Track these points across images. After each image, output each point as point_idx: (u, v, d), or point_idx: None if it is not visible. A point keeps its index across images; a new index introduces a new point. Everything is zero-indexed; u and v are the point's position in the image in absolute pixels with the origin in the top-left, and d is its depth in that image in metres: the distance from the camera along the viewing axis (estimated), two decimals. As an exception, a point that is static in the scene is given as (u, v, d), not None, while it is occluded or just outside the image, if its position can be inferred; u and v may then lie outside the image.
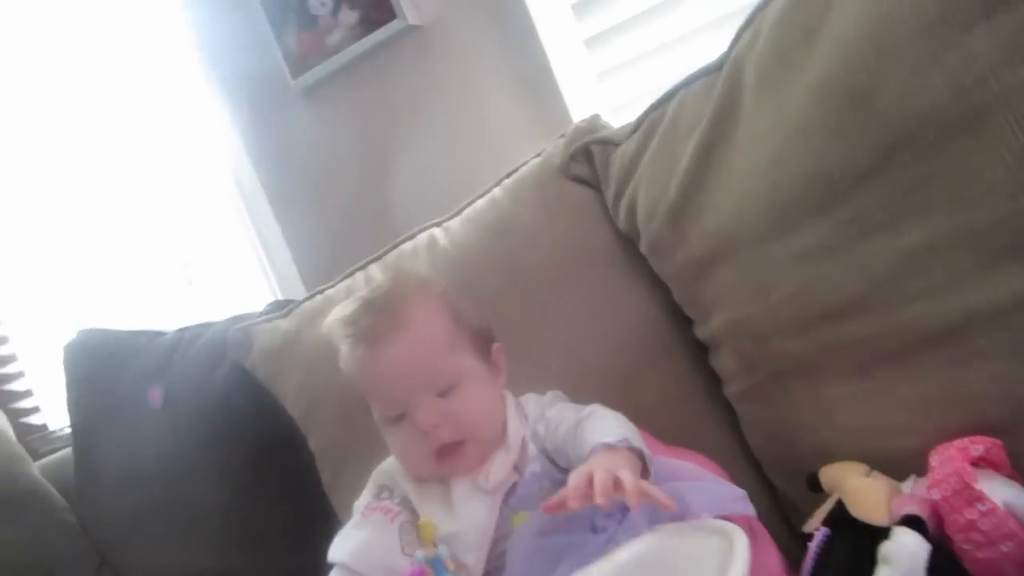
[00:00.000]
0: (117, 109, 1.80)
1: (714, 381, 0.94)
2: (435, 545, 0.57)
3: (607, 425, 0.67)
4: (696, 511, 0.61)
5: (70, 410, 1.55)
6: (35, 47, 1.85)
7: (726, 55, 0.83)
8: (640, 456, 0.64)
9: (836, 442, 0.78)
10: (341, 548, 0.72)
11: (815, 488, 0.75)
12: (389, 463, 0.78)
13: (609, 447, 0.63)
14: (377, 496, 0.77)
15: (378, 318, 0.73)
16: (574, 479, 0.58)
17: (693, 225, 0.83)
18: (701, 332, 0.92)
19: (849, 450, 0.76)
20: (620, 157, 0.94)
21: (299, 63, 1.53)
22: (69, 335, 1.55)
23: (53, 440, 1.95)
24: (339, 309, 0.77)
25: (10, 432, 1.61)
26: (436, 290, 0.78)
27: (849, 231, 0.70)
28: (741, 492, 0.65)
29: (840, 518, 0.67)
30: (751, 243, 0.78)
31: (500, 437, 0.75)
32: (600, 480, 0.56)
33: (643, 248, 0.93)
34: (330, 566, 0.72)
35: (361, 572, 0.67)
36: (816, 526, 0.68)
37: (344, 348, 0.76)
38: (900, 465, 0.70)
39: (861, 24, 0.66)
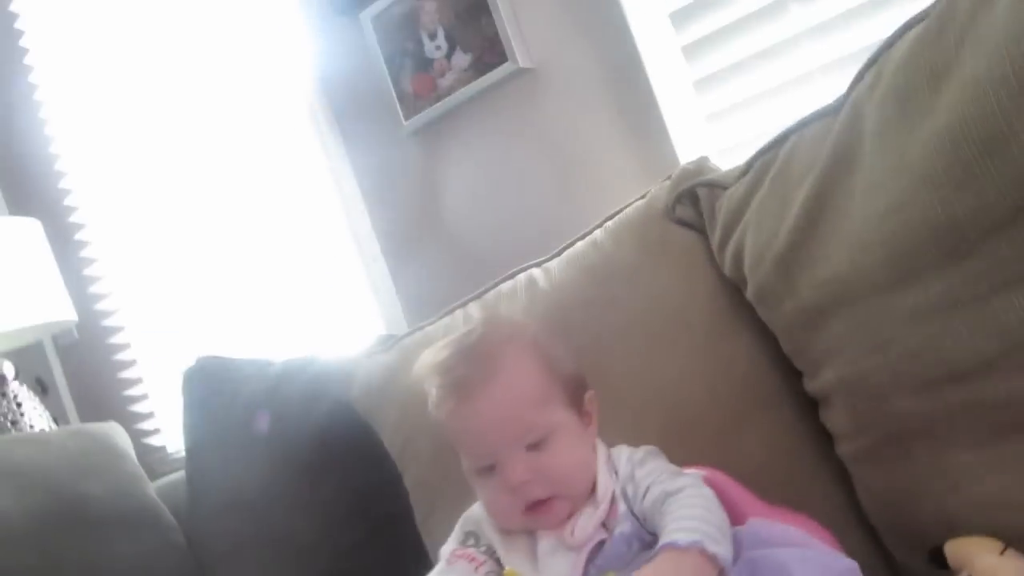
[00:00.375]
0: (238, 145, 1.91)
1: (825, 438, 0.88)
2: None
3: (688, 516, 0.64)
4: (801, 584, 0.57)
5: (185, 433, 1.63)
6: (161, 81, 1.99)
7: (844, 97, 0.79)
8: (714, 559, 0.60)
9: (963, 514, 0.72)
10: None
11: (940, 563, 0.69)
12: (476, 509, 0.77)
13: (679, 550, 0.60)
14: (463, 543, 0.76)
15: (469, 369, 0.72)
16: None
17: (803, 274, 0.79)
18: (811, 386, 0.86)
19: (978, 524, 0.69)
20: (728, 201, 0.91)
21: (412, 105, 1.58)
22: (189, 362, 1.64)
23: (170, 462, 2.06)
24: (430, 354, 0.77)
25: (131, 451, 1.70)
26: (529, 337, 0.77)
27: (979, 285, 0.65)
28: (852, 564, 0.60)
29: (968, 599, 0.62)
30: (867, 295, 0.73)
31: (589, 492, 0.72)
32: None
33: (749, 295, 0.89)
34: None
35: None
36: (940, 605, 0.63)
37: (434, 395, 0.75)
38: (1038, 545, 0.64)
39: (995, 67, 0.62)
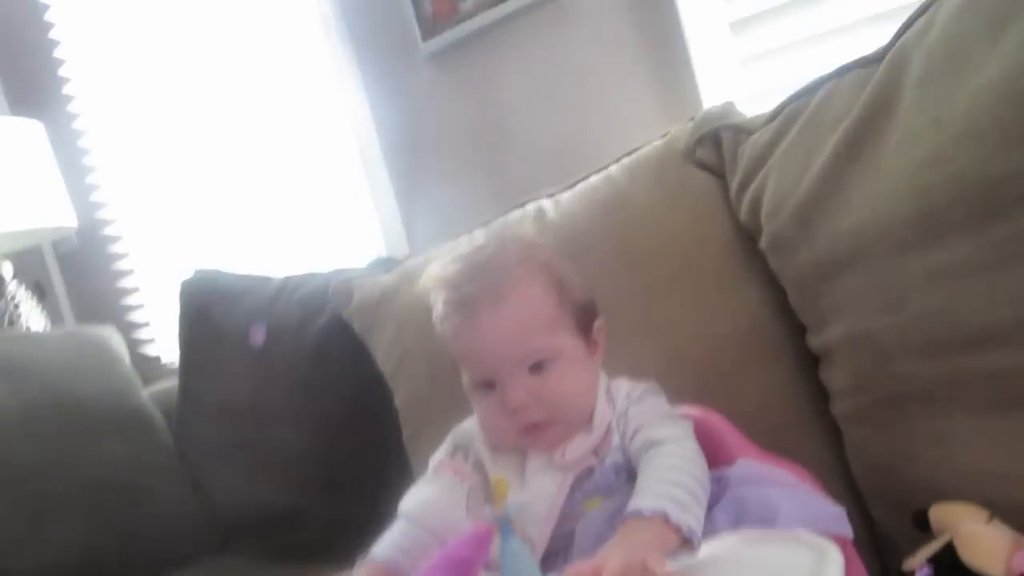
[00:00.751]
0: (248, 57, 1.86)
1: (820, 396, 0.88)
2: (506, 505, 0.55)
3: (660, 479, 0.62)
4: (787, 522, 0.56)
5: (180, 343, 1.64)
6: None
7: (889, 45, 0.76)
8: (677, 530, 0.58)
9: (953, 482, 0.71)
10: (408, 500, 0.71)
11: (922, 527, 0.69)
12: (469, 424, 0.76)
13: (643, 520, 0.58)
14: (451, 455, 0.75)
15: (478, 286, 0.71)
16: (578, 568, 0.53)
17: (823, 224, 0.77)
18: (814, 341, 0.85)
19: (966, 492, 0.68)
20: (751, 146, 0.88)
21: (431, 26, 1.53)
22: (188, 274, 1.63)
23: (164, 370, 2.07)
24: (438, 266, 0.75)
25: (126, 356, 1.71)
26: (542, 259, 0.75)
27: (1006, 250, 0.63)
28: (839, 510, 0.60)
29: (948, 562, 0.61)
30: (887, 251, 0.71)
31: (587, 419, 0.71)
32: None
33: (763, 244, 0.87)
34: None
35: (424, 525, 0.66)
36: (918, 565, 0.62)
37: (439, 310, 0.74)
38: (1028, 518, 0.63)
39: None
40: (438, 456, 0.76)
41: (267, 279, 1.48)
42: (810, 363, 0.88)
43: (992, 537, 0.61)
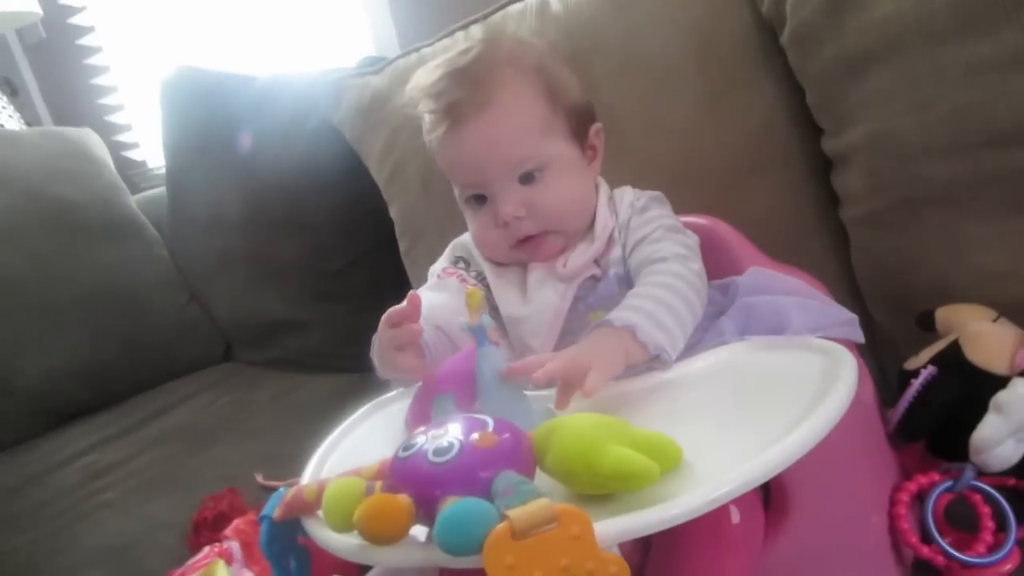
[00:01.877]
0: None
1: (828, 202, 0.85)
2: (481, 315, 0.54)
3: (645, 295, 0.59)
4: (798, 329, 0.56)
5: (165, 147, 1.58)
6: None
7: None
8: (644, 347, 0.56)
9: (962, 284, 0.70)
10: None
11: (927, 327, 0.69)
12: (468, 237, 0.74)
13: (613, 328, 0.56)
14: (454, 264, 0.74)
15: (462, 92, 0.66)
16: (525, 361, 0.53)
17: (856, 13, 0.71)
18: (831, 144, 0.81)
19: (975, 295, 0.68)
20: (780, -77, 0.79)
21: None
22: (167, 71, 1.54)
23: (151, 178, 2.02)
24: (422, 74, 0.70)
25: (109, 160, 1.65)
26: (531, 59, 0.69)
27: (1055, 38, 0.58)
28: (852, 316, 0.59)
29: (953, 360, 0.62)
30: (924, 43, 0.66)
31: (586, 228, 0.69)
32: (551, 371, 0.51)
33: (785, 38, 0.81)
34: None
35: (437, 326, 0.65)
36: (922, 364, 0.63)
37: (426, 120, 0.70)
38: (1034, 318, 0.63)
39: None
40: (440, 265, 0.74)
41: (252, 78, 1.40)
42: (821, 168, 0.86)
43: (998, 335, 0.62)
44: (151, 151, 2.05)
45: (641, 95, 0.88)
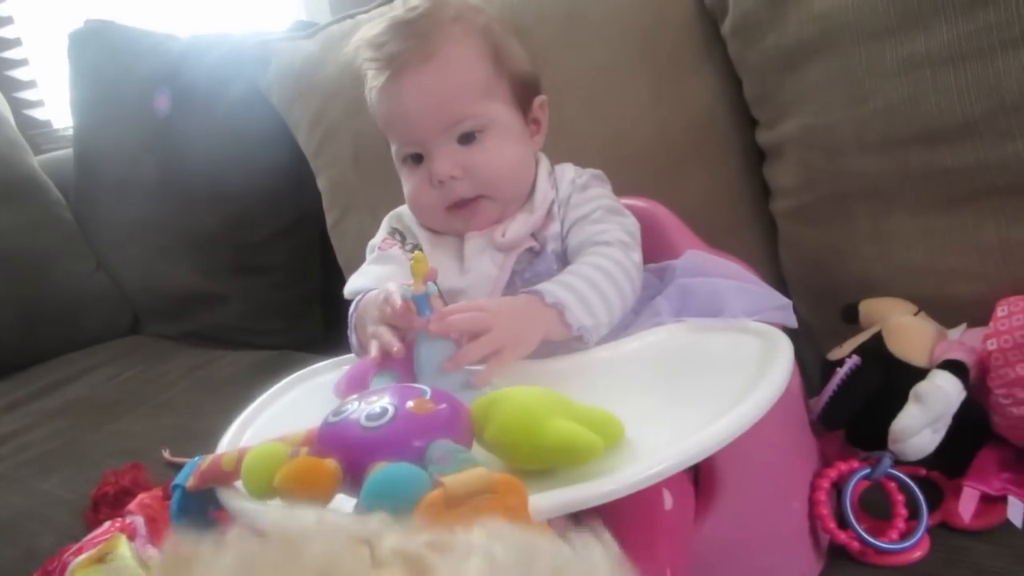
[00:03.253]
0: None
1: (759, 194, 0.87)
2: (425, 282, 0.53)
3: (582, 275, 0.60)
4: (734, 312, 0.56)
5: (73, 107, 1.48)
6: None
7: None
8: (568, 327, 0.57)
9: (886, 278, 0.73)
10: (360, 280, 0.67)
11: (851, 319, 0.71)
12: (405, 209, 0.72)
13: (540, 300, 0.57)
14: (391, 236, 0.71)
15: (405, 43, 0.64)
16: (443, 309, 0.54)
17: (797, 5, 0.72)
18: (765, 136, 0.83)
19: (898, 289, 0.70)
20: (729, -88, 0.79)
21: None
22: (76, 24, 1.44)
23: (56, 139, 1.89)
24: (366, 29, 0.67)
25: (10, 118, 1.54)
26: (479, 21, 0.67)
27: (988, 39, 0.60)
28: (786, 301, 0.60)
29: (876, 352, 0.63)
30: (861, 37, 0.67)
31: (524, 198, 0.68)
32: (452, 323, 0.52)
33: (726, 28, 0.81)
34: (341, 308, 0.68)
35: None
36: (846, 355, 0.64)
37: (367, 75, 0.67)
38: (952, 312, 0.65)
39: None
40: (379, 238, 0.71)
41: (171, 37, 1.33)
42: (754, 160, 0.87)
43: (919, 328, 0.64)
44: (57, 111, 1.92)
45: (583, 75, 0.87)
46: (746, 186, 0.88)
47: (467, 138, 0.64)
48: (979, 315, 0.62)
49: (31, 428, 1.06)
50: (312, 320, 1.30)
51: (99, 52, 1.42)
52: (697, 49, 0.87)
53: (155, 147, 1.32)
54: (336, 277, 1.15)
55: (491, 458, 0.41)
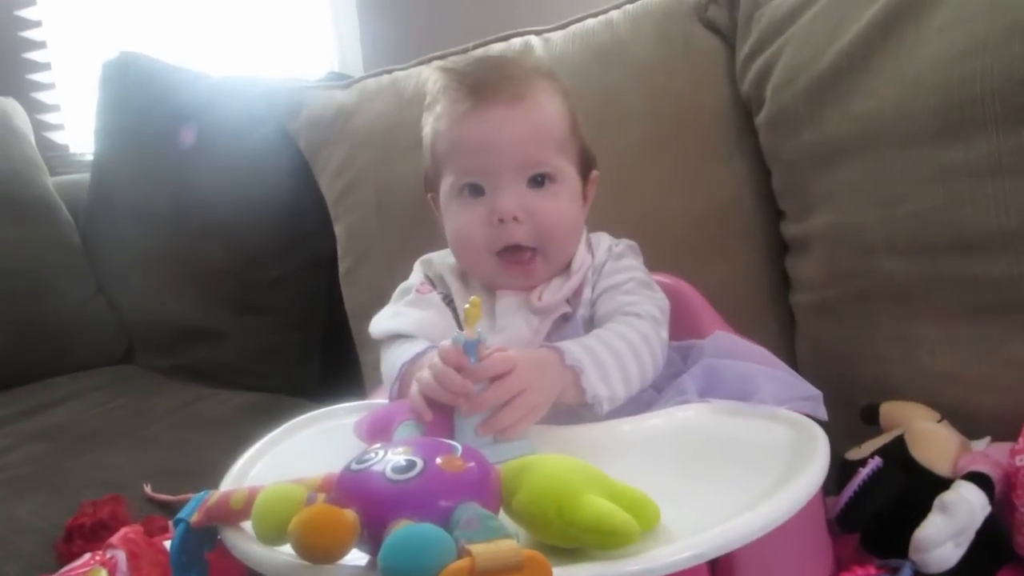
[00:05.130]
0: None
1: (781, 284, 0.87)
2: (478, 329, 0.51)
3: (607, 342, 0.58)
4: (763, 398, 0.55)
5: (96, 133, 1.49)
6: None
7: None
8: (582, 393, 0.56)
9: (907, 383, 0.71)
10: (396, 321, 0.65)
11: (869, 420, 0.69)
12: (436, 256, 0.71)
13: (559, 359, 0.56)
14: (428, 281, 0.70)
15: (499, 76, 0.64)
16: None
17: (837, 104, 0.73)
18: (792, 229, 0.83)
19: (918, 394, 0.69)
20: (773, 10, 0.81)
21: None
22: (111, 54, 1.46)
23: (71, 163, 1.89)
24: (448, 62, 0.67)
25: (31, 136, 1.54)
26: (563, 84, 0.69)
27: (1029, 156, 0.60)
28: (816, 392, 0.58)
29: (898, 455, 0.62)
30: (899, 142, 0.68)
31: (565, 262, 0.67)
32: (494, 396, 0.51)
33: (762, 119, 0.83)
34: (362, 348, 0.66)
35: (430, 339, 0.61)
36: (866, 456, 0.62)
37: (443, 101, 0.66)
38: (974, 424, 0.64)
39: None
40: (413, 281, 0.70)
41: (203, 75, 1.34)
42: (776, 250, 0.87)
43: (944, 437, 0.62)
44: (76, 136, 1.93)
45: (616, 154, 0.88)
46: (765, 276, 0.88)
47: (537, 182, 0.64)
48: (1002, 429, 0.61)
49: (7, 451, 1.01)
50: (309, 367, 1.28)
51: (130, 82, 1.43)
52: (729, 137, 0.88)
53: (173, 179, 1.32)
54: (339, 327, 1.14)
55: (517, 529, 0.39)
